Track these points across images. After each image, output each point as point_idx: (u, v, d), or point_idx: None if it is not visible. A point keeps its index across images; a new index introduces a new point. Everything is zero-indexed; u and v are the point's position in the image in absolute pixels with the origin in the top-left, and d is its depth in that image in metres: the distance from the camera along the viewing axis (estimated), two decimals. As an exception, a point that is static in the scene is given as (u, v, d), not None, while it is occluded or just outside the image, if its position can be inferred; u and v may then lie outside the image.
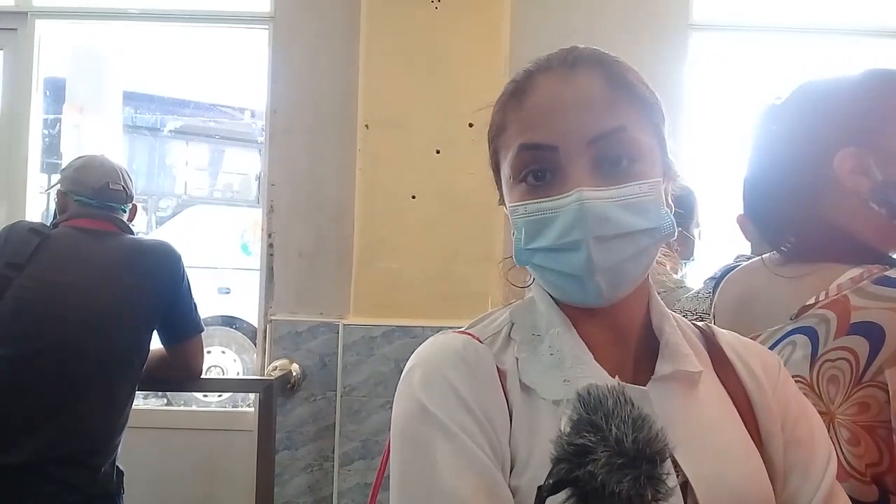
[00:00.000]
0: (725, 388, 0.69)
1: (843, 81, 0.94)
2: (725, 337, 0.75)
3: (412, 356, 0.67)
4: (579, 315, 0.68)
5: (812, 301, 0.84)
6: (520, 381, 0.65)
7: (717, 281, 1.11)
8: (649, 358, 0.68)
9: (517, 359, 0.66)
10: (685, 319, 0.75)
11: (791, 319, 0.86)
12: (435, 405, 0.61)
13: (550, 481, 0.43)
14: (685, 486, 0.61)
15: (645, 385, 0.65)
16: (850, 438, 0.76)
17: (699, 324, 0.76)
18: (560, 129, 0.63)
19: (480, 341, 0.68)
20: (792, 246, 0.94)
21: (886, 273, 0.80)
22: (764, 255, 1.00)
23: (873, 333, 0.76)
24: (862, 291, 0.80)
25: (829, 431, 0.77)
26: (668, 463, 0.44)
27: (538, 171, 0.64)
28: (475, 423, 0.60)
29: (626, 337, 0.68)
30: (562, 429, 0.45)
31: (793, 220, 0.94)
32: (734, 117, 2.41)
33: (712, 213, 2.06)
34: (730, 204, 1.10)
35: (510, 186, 0.67)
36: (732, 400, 0.69)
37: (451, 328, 0.71)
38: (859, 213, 0.88)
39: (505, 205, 0.70)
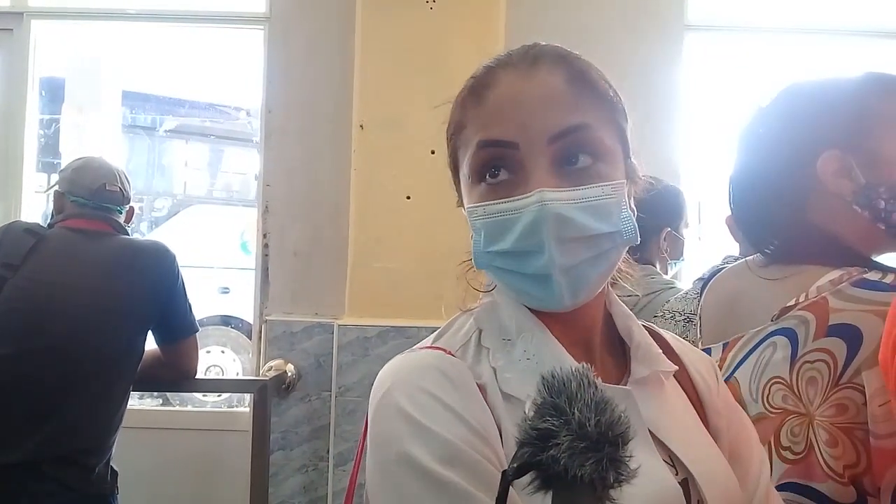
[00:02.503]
0: (682, 387, 0.70)
1: (827, 84, 0.94)
2: (668, 338, 0.74)
3: (382, 376, 0.61)
4: (543, 320, 0.65)
5: (792, 303, 0.84)
6: (501, 391, 0.61)
7: (704, 282, 1.12)
8: (616, 360, 0.67)
9: (494, 368, 0.62)
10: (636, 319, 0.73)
11: (772, 321, 0.86)
12: (429, 421, 0.55)
13: (514, 465, 0.43)
14: (684, 483, 0.60)
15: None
16: (828, 440, 0.76)
17: (643, 323, 0.73)
18: (520, 126, 0.60)
19: (452, 355, 0.63)
20: (775, 248, 0.94)
21: (865, 276, 0.80)
22: (748, 258, 1.01)
23: (851, 335, 0.77)
24: (840, 293, 0.80)
25: (808, 433, 0.78)
26: (634, 443, 0.44)
27: (498, 169, 0.61)
28: (474, 434, 0.55)
29: (591, 341, 0.67)
30: (526, 412, 0.45)
31: (776, 223, 0.94)
32: (729, 118, 2.41)
33: (706, 213, 2.07)
34: (722, 204, 1.10)
35: (469, 187, 0.64)
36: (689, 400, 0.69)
37: None
38: (842, 215, 0.89)
39: (463, 206, 0.67)
